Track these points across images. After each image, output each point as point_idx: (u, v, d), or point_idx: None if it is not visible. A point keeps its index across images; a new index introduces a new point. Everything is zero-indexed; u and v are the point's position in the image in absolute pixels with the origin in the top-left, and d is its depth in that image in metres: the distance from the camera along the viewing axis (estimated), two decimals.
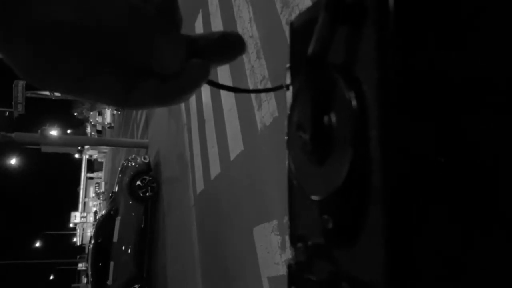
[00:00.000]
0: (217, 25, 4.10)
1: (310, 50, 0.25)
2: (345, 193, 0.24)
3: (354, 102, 0.23)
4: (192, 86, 0.27)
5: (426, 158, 0.21)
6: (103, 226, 6.44)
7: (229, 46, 0.29)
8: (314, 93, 0.26)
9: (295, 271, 0.28)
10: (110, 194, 7.22)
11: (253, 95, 3.05)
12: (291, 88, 0.30)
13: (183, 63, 0.27)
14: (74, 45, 0.25)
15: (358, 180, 0.23)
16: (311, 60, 0.24)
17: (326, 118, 0.24)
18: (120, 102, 0.28)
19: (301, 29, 0.30)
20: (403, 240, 0.21)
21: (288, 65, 0.32)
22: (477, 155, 0.22)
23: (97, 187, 27.45)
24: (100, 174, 31.06)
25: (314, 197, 0.26)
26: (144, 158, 7.02)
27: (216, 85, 0.33)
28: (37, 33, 0.24)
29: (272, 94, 2.75)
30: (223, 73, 3.57)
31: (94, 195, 29.71)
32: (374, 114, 0.22)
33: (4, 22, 0.23)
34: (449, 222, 0.22)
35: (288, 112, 0.29)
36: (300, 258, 0.27)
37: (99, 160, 31.02)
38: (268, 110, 2.78)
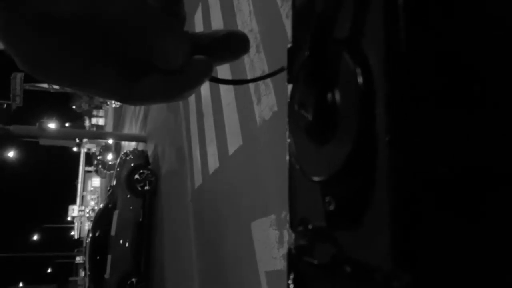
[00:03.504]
0: (216, 18, 4.08)
1: (314, 23, 0.23)
2: (349, 173, 0.22)
3: (360, 77, 0.21)
4: (195, 82, 0.27)
5: (436, 136, 0.20)
6: (101, 219, 6.44)
7: (233, 44, 0.29)
8: (318, 69, 0.25)
9: (295, 256, 0.27)
10: (108, 188, 7.21)
11: (252, 90, 3.04)
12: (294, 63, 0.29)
13: (187, 59, 0.27)
14: (77, 39, 0.24)
15: (363, 159, 0.22)
16: (315, 35, 0.23)
17: (330, 95, 0.23)
18: (122, 96, 0.28)
19: (304, 3, 0.29)
20: (410, 222, 0.20)
21: (289, 45, 0.31)
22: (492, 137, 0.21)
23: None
24: None
25: (315, 178, 0.25)
26: (143, 152, 7.01)
27: (220, 81, 0.33)
28: (42, 24, 0.23)
29: (271, 88, 2.74)
30: (222, 68, 3.55)
31: (92, 188, 29.67)
32: (381, 89, 0.21)
33: (10, 12, 0.23)
34: (460, 202, 0.21)
35: (290, 90, 0.28)
36: (300, 242, 0.27)
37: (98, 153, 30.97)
38: (267, 105, 2.77)
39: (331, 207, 0.24)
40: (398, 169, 0.20)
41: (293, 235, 0.28)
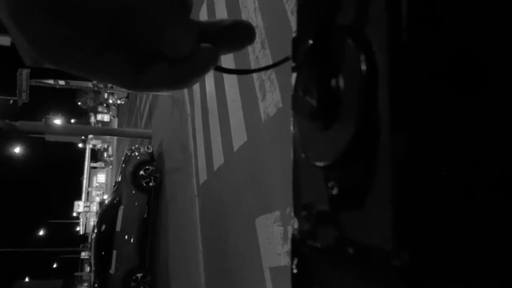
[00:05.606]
0: (221, 15, 4.08)
1: (318, 11, 0.24)
2: (352, 157, 0.23)
3: (363, 63, 0.22)
4: (201, 70, 0.28)
5: (438, 119, 0.21)
6: (106, 215, 6.48)
7: (239, 33, 0.30)
8: (322, 55, 0.25)
9: (298, 241, 0.27)
10: (114, 184, 7.25)
11: (257, 86, 3.04)
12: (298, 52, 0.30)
13: (194, 48, 0.27)
14: (90, 26, 0.25)
15: (365, 142, 0.22)
16: (319, 22, 0.24)
17: (334, 81, 0.24)
18: (129, 83, 0.28)
19: None
20: (411, 204, 0.20)
21: (294, 35, 0.32)
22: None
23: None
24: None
25: (319, 163, 0.25)
26: (148, 148, 7.04)
27: (225, 70, 0.34)
28: (56, 11, 0.24)
29: (276, 85, 2.74)
30: (227, 64, 3.55)
31: (97, 184, 29.81)
32: (383, 74, 0.21)
33: None
34: (461, 185, 0.21)
35: (295, 77, 0.29)
36: (304, 227, 0.27)
37: (103, 150, 31.15)
38: (272, 101, 2.78)
39: (334, 192, 0.24)
40: (400, 153, 0.21)
41: (297, 221, 0.29)
